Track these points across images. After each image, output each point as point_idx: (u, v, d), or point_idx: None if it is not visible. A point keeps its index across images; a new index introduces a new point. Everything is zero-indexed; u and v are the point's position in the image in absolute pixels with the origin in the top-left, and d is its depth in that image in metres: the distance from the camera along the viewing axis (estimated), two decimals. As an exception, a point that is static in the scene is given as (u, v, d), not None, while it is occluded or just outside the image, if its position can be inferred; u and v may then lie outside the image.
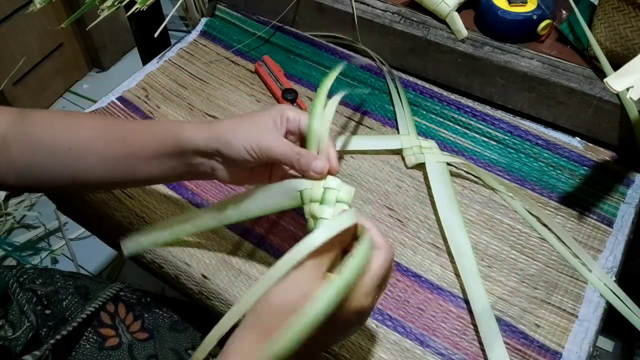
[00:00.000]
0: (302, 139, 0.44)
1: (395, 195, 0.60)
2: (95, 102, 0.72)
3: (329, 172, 0.41)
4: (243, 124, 0.42)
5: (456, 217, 0.56)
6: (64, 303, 0.53)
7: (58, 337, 0.49)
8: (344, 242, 0.38)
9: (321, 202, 0.40)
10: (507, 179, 0.61)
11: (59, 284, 0.54)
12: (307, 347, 0.33)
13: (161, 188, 0.60)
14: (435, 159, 0.61)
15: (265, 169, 0.46)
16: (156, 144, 0.43)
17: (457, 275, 0.53)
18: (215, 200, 0.59)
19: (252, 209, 0.45)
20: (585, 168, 0.61)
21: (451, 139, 0.65)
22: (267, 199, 0.44)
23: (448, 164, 0.61)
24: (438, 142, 0.64)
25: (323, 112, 0.42)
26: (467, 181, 0.61)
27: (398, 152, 0.64)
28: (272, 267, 0.34)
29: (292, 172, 0.46)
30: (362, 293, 0.35)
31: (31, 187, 0.47)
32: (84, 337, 0.52)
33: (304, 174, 0.41)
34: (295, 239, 0.55)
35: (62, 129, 0.44)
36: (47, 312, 0.51)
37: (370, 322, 0.50)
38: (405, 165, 0.63)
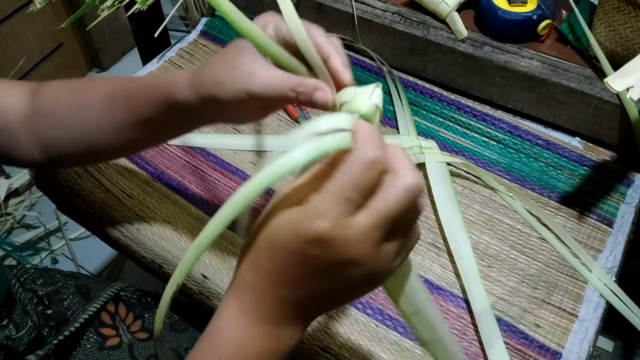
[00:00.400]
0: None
1: (395, 195, 0.60)
2: (95, 102, 0.71)
3: (340, 87, 0.34)
4: (227, 64, 0.36)
5: (456, 217, 0.56)
6: (65, 303, 0.53)
7: (61, 337, 0.49)
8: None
9: None
10: (507, 179, 0.61)
11: (59, 283, 0.54)
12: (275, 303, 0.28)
13: (161, 187, 0.60)
14: (435, 159, 0.61)
15: None
16: (155, 108, 0.40)
17: (457, 275, 0.53)
18: (216, 200, 0.59)
19: None
20: (585, 168, 0.61)
21: (451, 139, 0.65)
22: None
23: (448, 164, 0.61)
24: (438, 142, 0.64)
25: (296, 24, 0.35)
26: (467, 181, 0.61)
27: (398, 152, 0.64)
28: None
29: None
30: (315, 211, 0.25)
31: (56, 162, 0.46)
32: (85, 337, 0.52)
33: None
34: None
35: (70, 100, 0.44)
36: (49, 312, 0.51)
37: (370, 322, 0.50)
38: (406, 165, 0.63)
